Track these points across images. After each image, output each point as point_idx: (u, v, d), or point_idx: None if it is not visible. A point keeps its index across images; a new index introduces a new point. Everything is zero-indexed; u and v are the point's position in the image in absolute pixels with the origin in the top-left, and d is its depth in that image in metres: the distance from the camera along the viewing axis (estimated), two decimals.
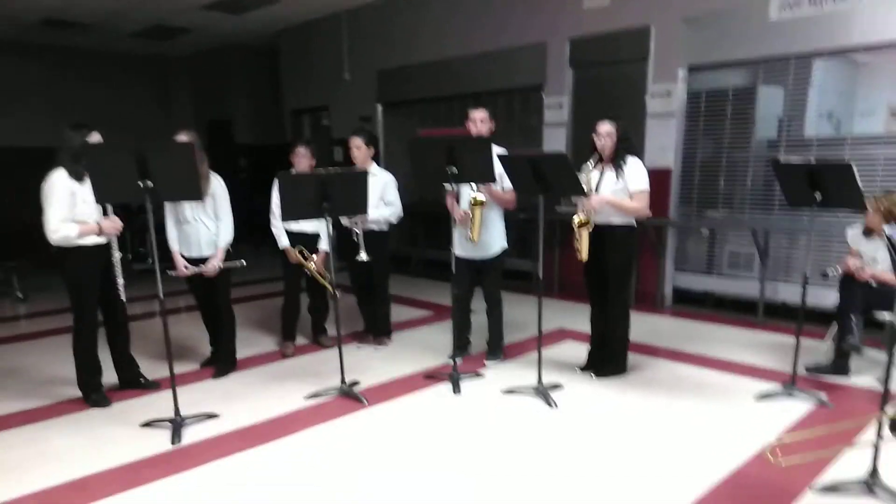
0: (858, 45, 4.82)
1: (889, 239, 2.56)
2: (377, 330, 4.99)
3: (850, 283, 4.00)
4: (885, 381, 2.71)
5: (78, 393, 3.89)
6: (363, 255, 4.35)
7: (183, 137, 3.84)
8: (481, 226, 4.13)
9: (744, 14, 5.27)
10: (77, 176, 3.58)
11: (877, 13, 4.67)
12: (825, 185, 3.49)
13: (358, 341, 5.02)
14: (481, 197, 4.04)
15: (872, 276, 3.91)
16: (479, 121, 4.17)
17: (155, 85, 11.52)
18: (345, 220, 4.56)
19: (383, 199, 4.64)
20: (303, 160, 4.64)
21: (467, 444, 3.30)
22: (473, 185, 4.06)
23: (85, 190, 3.58)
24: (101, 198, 3.45)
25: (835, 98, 5.23)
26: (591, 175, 3.92)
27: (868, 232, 4.04)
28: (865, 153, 4.92)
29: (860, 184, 3.35)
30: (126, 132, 7.85)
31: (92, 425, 3.58)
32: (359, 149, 4.61)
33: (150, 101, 11.38)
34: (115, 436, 3.42)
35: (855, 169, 3.33)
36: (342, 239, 4.64)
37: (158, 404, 3.76)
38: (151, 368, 4.26)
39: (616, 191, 3.86)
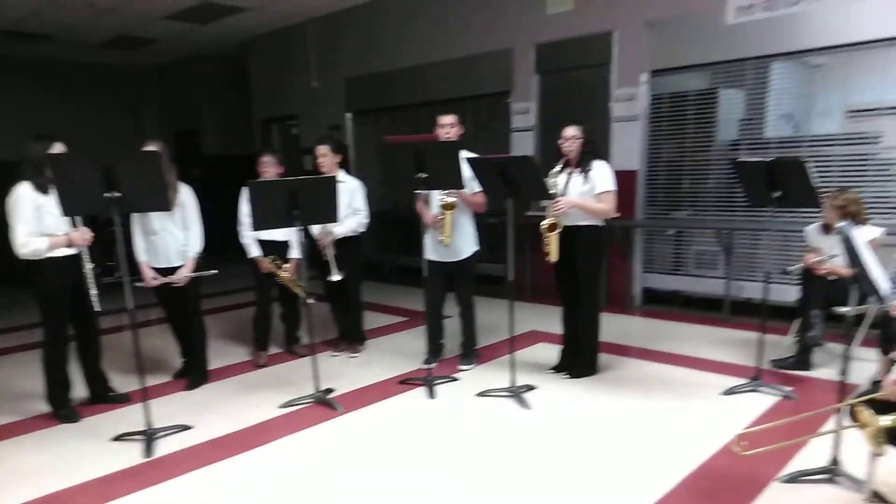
0: (812, 48, 4.99)
1: (842, 232, 2.65)
2: (350, 337, 5.00)
3: (810, 279, 4.12)
4: (844, 372, 2.81)
5: (47, 408, 3.82)
6: (335, 276, 4.38)
7: (151, 148, 3.81)
8: (452, 228, 4.17)
9: (702, 19, 5.41)
10: (42, 188, 3.54)
11: (828, 16, 4.83)
12: (782, 183, 3.61)
13: (332, 349, 5.02)
14: (450, 199, 4.08)
15: (831, 271, 4.04)
16: (449, 126, 4.21)
17: (121, 95, 11.36)
18: (316, 231, 4.55)
19: (352, 205, 4.66)
20: (269, 169, 4.63)
21: (444, 447, 3.33)
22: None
23: (51, 202, 3.53)
24: (67, 210, 3.41)
25: (793, 99, 5.40)
26: (558, 179, 4.00)
27: (826, 228, 4.17)
28: (823, 152, 5.08)
29: (813, 181, 3.48)
30: (93, 143, 7.75)
31: (62, 441, 3.52)
32: (325, 156, 4.61)
33: (116, 112, 11.20)
34: (87, 451, 3.37)
35: (807, 166, 3.46)
36: (314, 250, 4.64)
37: (129, 417, 3.71)
38: (122, 382, 4.21)
39: (583, 193, 3.94)
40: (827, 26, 4.85)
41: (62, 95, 10.42)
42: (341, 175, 4.64)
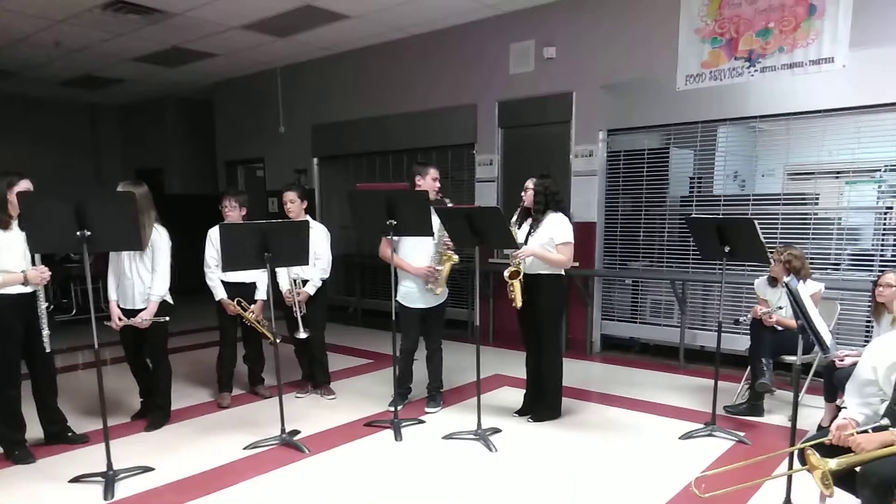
0: (754, 115, 5.39)
1: (788, 287, 2.85)
2: (317, 380, 4.99)
3: (759, 329, 4.34)
4: (794, 418, 2.98)
5: None
6: (302, 334, 4.41)
7: (129, 188, 3.82)
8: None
9: (655, 84, 5.78)
10: (3, 224, 3.51)
11: (766, 89, 5.24)
12: (732, 239, 3.87)
13: (297, 390, 5.00)
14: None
15: (777, 322, 4.28)
16: (433, 179, 4.37)
17: (82, 132, 11.23)
18: (284, 288, 4.60)
19: (315, 251, 4.73)
20: (232, 213, 4.68)
21: (411, 489, 3.35)
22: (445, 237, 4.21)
23: (9, 238, 3.51)
24: (35, 247, 3.39)
25: (739, 160, 5.77)
26: (519, 229, 4.18)
27: (772, 281, 4.44)
28: (767, 210, 5.43)
29: (762, 238, 3.74)
30: (51, 179, 7.62)
31: (17, 483, 3.41)
32: (293, 202, 4.72)
33: (76, 149, 11.05)
34: (43, 493, 3.28)
35: (756, 224, 3.73)
36: (282, 303, 4.69)
37: (87, 459, 3.63)
38: (77, 423, 4.10)
39: (542, 244, 4.10)
40: (768, 96, 5.25)
41: (18, 130, 10.24)
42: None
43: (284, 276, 4.65)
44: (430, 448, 3.89)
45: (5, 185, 3.51)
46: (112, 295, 4.07)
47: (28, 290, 3.59)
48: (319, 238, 4.76)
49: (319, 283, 4.76)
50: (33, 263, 3.61)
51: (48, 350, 3.70)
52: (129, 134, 11.50)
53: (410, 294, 4.40)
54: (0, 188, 3.50)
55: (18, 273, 3.51)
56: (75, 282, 7.71)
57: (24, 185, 3.57)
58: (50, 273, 3.64)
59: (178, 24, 6.67)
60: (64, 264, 7.30)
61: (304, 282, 4.67)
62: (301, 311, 4.50)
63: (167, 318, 4.07)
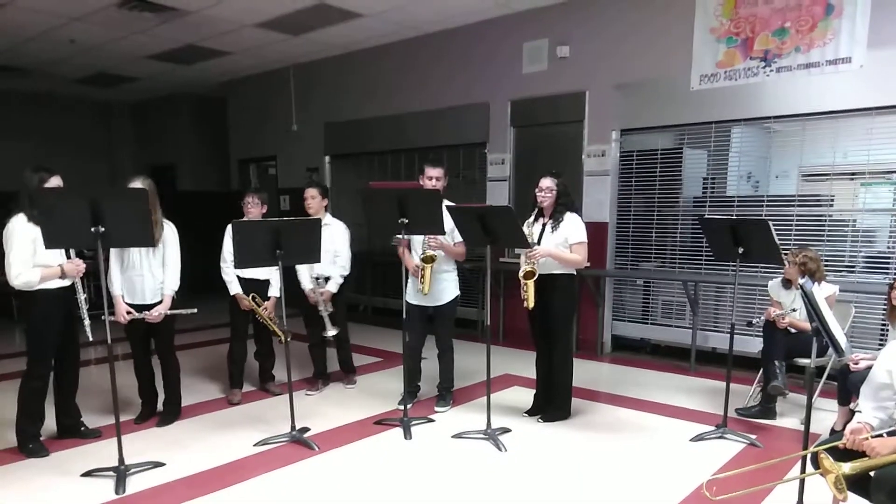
0: (769, 115, 5.33)
1: (803, 290, 2.83)
2: (345, 369, 5.21)
3: (772, 331, 4.30)
4: (807, 421, 2.95)
5: (12, 441, 3.73)
6: (331, 332, 4.60)
7: (137, 184, 3.85)
8: (432, 277, 4.28)
9: (668, 83, 5.74)
10: (36, 220, 3.55)
11: (781, 89, 5.19)
12: (746, 240, 3.83)
13: (307, 387, 5.02)
14: (432, 252, 4.19)
15: (791, 324, 4.24)
16: (435, 179, 4.35)
17: (95, 130, 11.32)
18: (307, 287, 4.72)
19: (335, 248, 4.77)
20: (254, 209, 4.71)
21: (420, 487, 3.35)
22: (424, 238, 4.22)
23: None
24: (50, 243, 3.42)
25: (753, 161, 5.72)
26: (533, 228, 4.16)
27: (787, 283, 4.40)
28: (781, 212, 5.38)
29: (776, 239, 3.70)
30: (66, 176, 7.68)
31: (30, 476, 3.45)
32: (314, 198, 4.78)
33: (90, 146, 11.14)
34: (56, 486, 3.31)
35: (771, 225, 3.69)
36: (306, 301, 4.79)
37: (99, 454, 3.66)
38: (90, 418, 4.14)
39: (557, 243, 4.09)
40: (782, 97, 5.20)
41: (33, 128, 10.34)
42: (327, 218, 4.78)
43: (305, 273, 4.71)
44: (440, 447, 3.89)
45: (37, 181, 3.54)
46: (116, 290, 4.01)
47: (67, 283, 3.66)
48: (339, 235, 4.81)
49: (341, 281, 4.82)
50: (68, 257, 3.65)
51: (90, 339, 3.68)
52: (142, 131, 11.57)
53: (409, 290, 4.41)
54: (32, 183, 3.53)
55: (56, 267, 3.58)
56: (88, 278, 7.75)
57: (55, 181, 3.61)
58: (85, 266, 3.70)
59: (192, 21, 6.70)
60: (85, 260, 7.36)
61: (327, 279, 4.75)
62: (328, 310, 4.63)
63: (195, 311, 4.09)
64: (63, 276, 3.61)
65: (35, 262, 3.53)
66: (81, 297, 3.69)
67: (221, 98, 10.11)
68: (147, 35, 7.17)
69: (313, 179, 5.30)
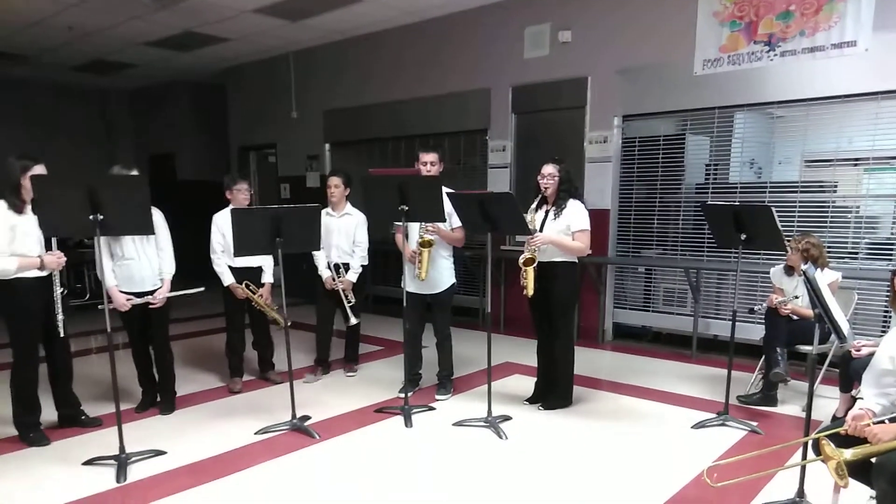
0: (772, 101, 5.28)
1: (806, 275, 2.81)
2: (349, 356, 5.21)
3: (774, 318, 4.29)
4: (809, 408, 2.94)
5: (13, 432, 3.74)
6: (353, 320, 4.71)
7: (122, 171, 3.83)
8: (430, 263, 4.26)
9: (671, 68, 5.69)
10: (17, 208, 3.52)
11: (785, 74, 5.14)
12: (749, 227, 3.80)
13: (308, 372, 5.02)
14: (429, 237, 4.18)
15: (793, 311, 4.22)
16: (430, 164, 4.32)
17: (94, 117, 11.27)
18: (325, 275, 4.79)
19: (354, 237, 4.82)
20: (243, 196, 4.66)
21: (421, 475, 3.35)
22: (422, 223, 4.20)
23: (26, 222, 3.51)
24: (48, 231, 3.41)
25: (756, 147, 5.68)
26: (535, 215, 4.13)
27: (789, 270, 4.37)
28: (784, 198, 5.34)
29: (779, 225, 3.67)
30: (64, 164, 7.66)
31: (31, 465, 3.45)
32: (337, 187, 4.85)
33: (88, 134, 11.10)
34: (57, 475, 3.31)
35: (774, 212, 3.66)
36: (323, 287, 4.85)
37: (100, 442, 3.66)
38: (90, 406, 4.13)
39: (560, 231, 4.07)
40: (786, 81, 5.14)
41: (30, 115, 10.28)
42: (348, 207, 4.85)
43: (322, 260, 4.78)
44: (440, 435, 3.89)
45: (19, 170, 3.51)
46: (110, 280, 3.93)
47: (44, 274, 3.61)
48: (360, 225, 4.83)
49: (360, 270, 4.87)
50: (49, 248, 3.62)
51: (63, 335, 3.71)
52: (140, 119, 11.51)
53: (407, 278, 4.38)
54: (14, 172, 3.50)
55: (35, 258, 3.53)
56: (88, 266, 7.77)
57: (39, 169, 3.56)
58: (66, 258, 3.66)
59: (190, 7, 6.63)
60: (78, 249, 7.38)
61: (346, 267, 4.84)
62: (350, 300, 4.72)
63: (202, 289, 4.10)
64: (42, 267, 3.55)
65: (13, 250, 3.48)
66: (58, 291, 3.65)
67: (220, 85, 10.04)
68: (145, 21, 7.11)
69: (340, 169, 5.26)
